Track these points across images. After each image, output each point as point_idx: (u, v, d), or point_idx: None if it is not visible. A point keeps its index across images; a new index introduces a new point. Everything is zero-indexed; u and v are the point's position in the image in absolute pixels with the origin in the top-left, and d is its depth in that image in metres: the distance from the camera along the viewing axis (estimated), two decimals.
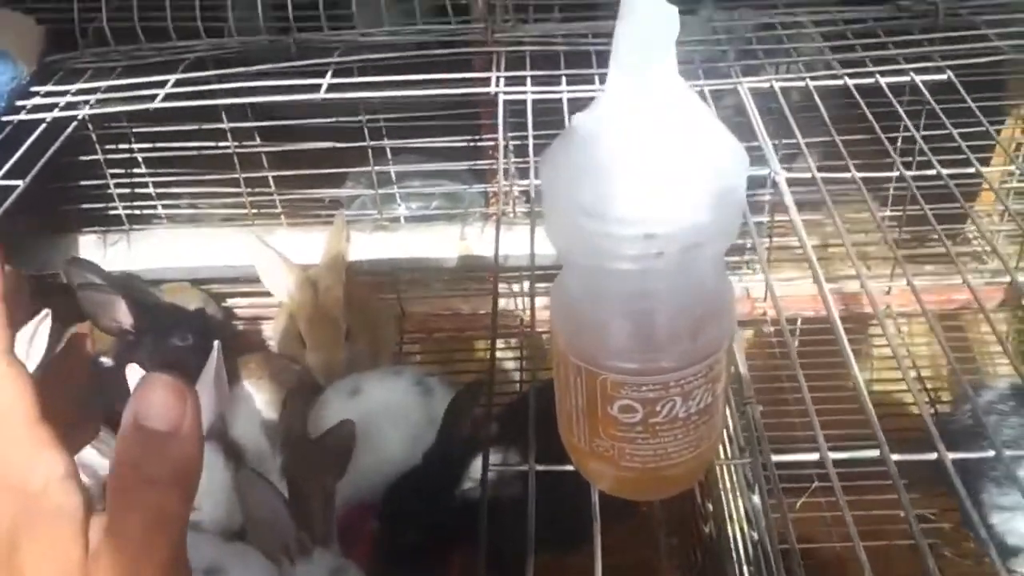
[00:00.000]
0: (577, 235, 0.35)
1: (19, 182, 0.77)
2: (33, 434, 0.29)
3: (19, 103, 0.86)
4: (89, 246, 1.09)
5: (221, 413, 0.80)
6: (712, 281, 0.37)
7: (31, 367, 0.85)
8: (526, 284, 1.21)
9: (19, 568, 0.27)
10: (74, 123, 0.86)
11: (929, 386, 1.16)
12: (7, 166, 0.79)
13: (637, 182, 0.33)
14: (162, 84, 0.84)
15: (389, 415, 0.81)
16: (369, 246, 1.08)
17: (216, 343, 0.80)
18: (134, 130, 1.06)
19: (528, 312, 1.22)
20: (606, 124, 0.35)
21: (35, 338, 0.89)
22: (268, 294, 1.03)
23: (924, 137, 0.78)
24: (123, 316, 0.90)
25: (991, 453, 0.44)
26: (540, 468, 0.47)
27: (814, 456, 0.44)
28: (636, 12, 0.33)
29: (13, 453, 0.29)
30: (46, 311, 0.90)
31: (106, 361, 0.90)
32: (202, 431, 0.29)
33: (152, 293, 0.99)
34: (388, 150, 1.08)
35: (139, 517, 0.28)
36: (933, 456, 0.44)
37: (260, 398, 0.89)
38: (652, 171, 0.33)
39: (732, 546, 0.57)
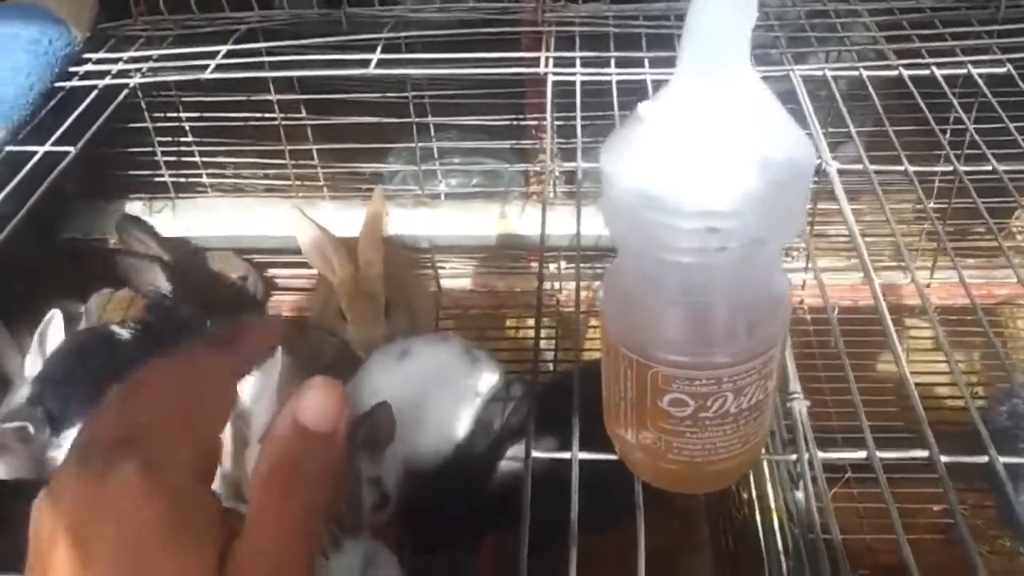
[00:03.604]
0: (637, 224, 0.35)
1: (70, 148, 0.78)
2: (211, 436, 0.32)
3: (71, 69, 0.87)
4: (135, 213, 1.11)
5: None
6: (770, 277, 0.37)
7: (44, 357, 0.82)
8: (563, 263, 1.21)
9: (144, 568, 0.28)
10: (125, 91, 0.87)
11: (965, 381, 1.15)
12: (58, 132, 0.80)
13: (703, 174, 0.33)
14: (213, 55, 0.85)
15: (438, 379, 0.81)
16: (409, 221, 1.09)
17: (279, 349, 0.80)
18: (182, 99, 1.07)
19: (560, 289, 1.22)
20: (674, 113, 0.34)
21: (46, 339, 0.91)
22: (309, 265, 1.04)
23: (976, 130, 0.77)
24: (160, 281, 0.91)
25: None
26: (584, 456, 0.47)
27: (861, 454, 0.44)
28: (711, 1, 0.32)
29: (173, 437, 0.30)
30: (53, 312, 0.91)
31: (120, 332, 0.91)
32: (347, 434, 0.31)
33: (196, 258, 1.00)
34: (431, 126, 1.08)
35: (296, 510, 0.29)
36: (984, 459, 0.44)
37: (297, 373, 0.90)
38: (719, 164, 0.33)
39: (769, 537, 0.57)
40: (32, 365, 0.88)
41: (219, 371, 0.33)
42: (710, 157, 0.33)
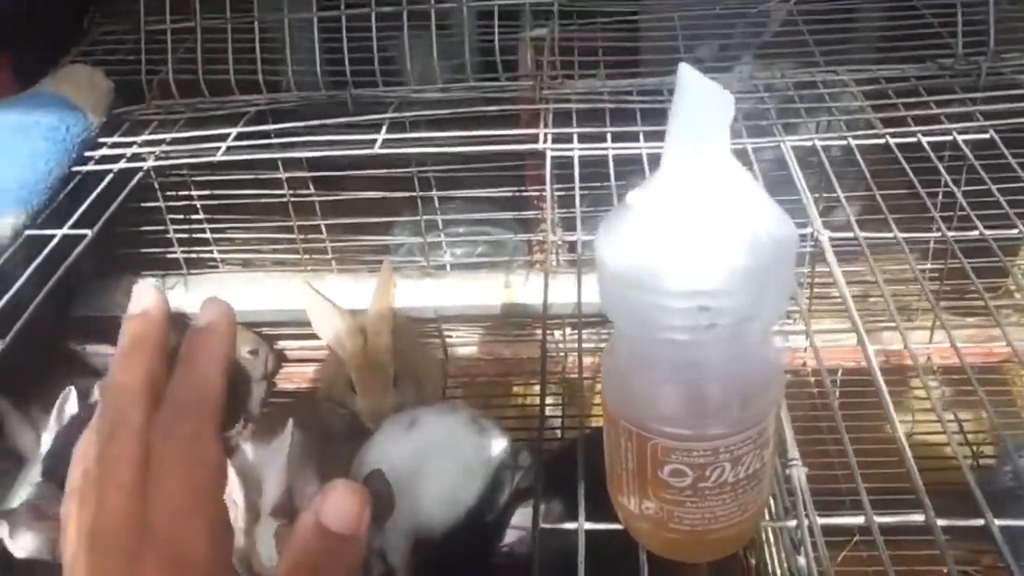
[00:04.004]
0: (630, 305, 0.37)
1: (87, 231, 0.81)
2: (220, 519, 0.32)
3: (87, 154, 0.90)
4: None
5: (289, 488, 0.81)
6: (762, 352, 0.39)
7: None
8: (568, 330, 1.22)
9: None
10: (139, 174, 0.89)
11: (972, 439, 1.15)
12: (75, 216, 0.82)
13: (690, 257, 0.35)
14: (224, 137, 0.88)
15: (446, 449, 0.82)
16: (416, 292, 1.11)
17: (290, 422, 0.82)
18: (194, 178, 1.10)
19: (565, 356, 1.24)
20: (661, 200, 0.36)
21: (64, 416, 0.93)
22: (318, 337, 1.06)
23: (965, 193, 0.79)
24: None
25: None
26: (589, 527, 0.48)
27: (859, 519, 0.45)
28: (691, 93, 0.35)
29: (193, 529, 0.31)
30: (69, 388, 0.93)
31: None
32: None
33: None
34: (436, 199, 1.11)
35: None
36: (980, 522, 0.45)
37: (307, 445, 0.92)
38: (705, 246, 0.35)
39: None
40: (49, 441, 0.90)
41: (197, 440, 0.33)
42: (696, 240, 0.35)
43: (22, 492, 0.89)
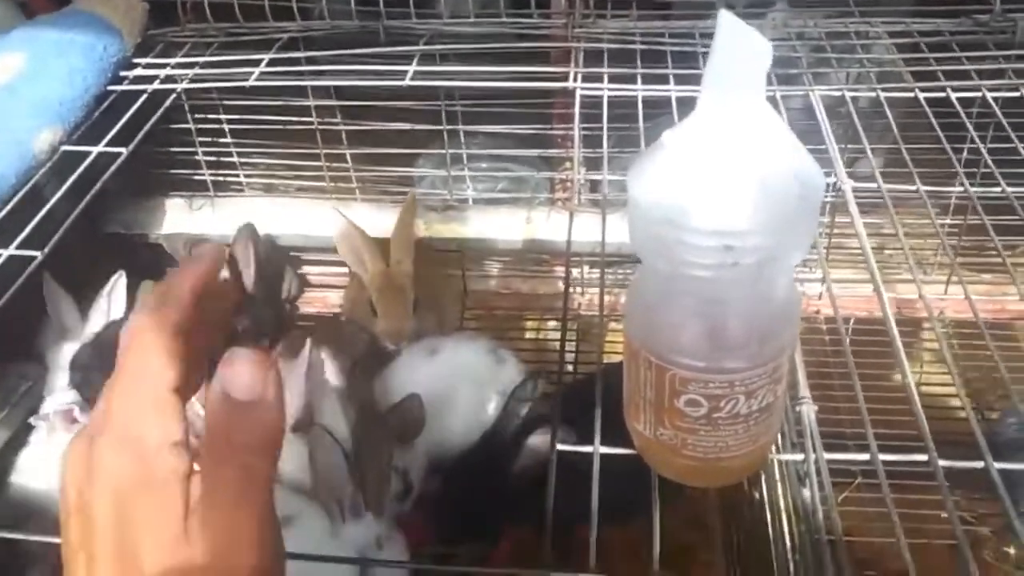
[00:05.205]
0: (659, 242, 0.38)
1: (122, 149, 0.82)
2: (163, 399, 0.32)
3: (122, 74, 0.91)
4: (176, 209, 1.15)
5: (309, 406, 0.84)
6: (782, 291, 0.41)
7: (109, 319, 0.91)
8: (585, 268, 1.24)
9: (130, 520, 0.31)
10: (172, 96, 0.90)
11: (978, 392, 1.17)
12: (111, 134, 0.84)
13: (719, 197, 0.37)
14: (256, 63, 0.88)
15: (466, 377, 0.85)
16: (438, 224, 1.13)
17: (308, 340, 0.84)
18: (224, 102, 1.11)
19: (582, 293, 1.26)
20: (694, 142, 0.38)
21: (113, 294, 0.98)
22: (339, 263, 1.08)
23: (991, 151, 0.79)
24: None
25: None
26: (604, 451, 0.51)
27: (864, 456, 0.47)
28: (730, 39, 0.36)
29: (141, 412, 0.32)
30: (120, 272, 0.98)
31: None
32: (284, 399, 0.33)
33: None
34: (461, 133, 1.12)
35: (231, 477, 0.31)
36: (980, 464, 0.47)
37: (330, 365, 0.95)
38: (734, 188, 0.37)
39: (777, 535, 0.61)
40: (97, 321, 0.96)
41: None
42: (726, 182, 0.36)
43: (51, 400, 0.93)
